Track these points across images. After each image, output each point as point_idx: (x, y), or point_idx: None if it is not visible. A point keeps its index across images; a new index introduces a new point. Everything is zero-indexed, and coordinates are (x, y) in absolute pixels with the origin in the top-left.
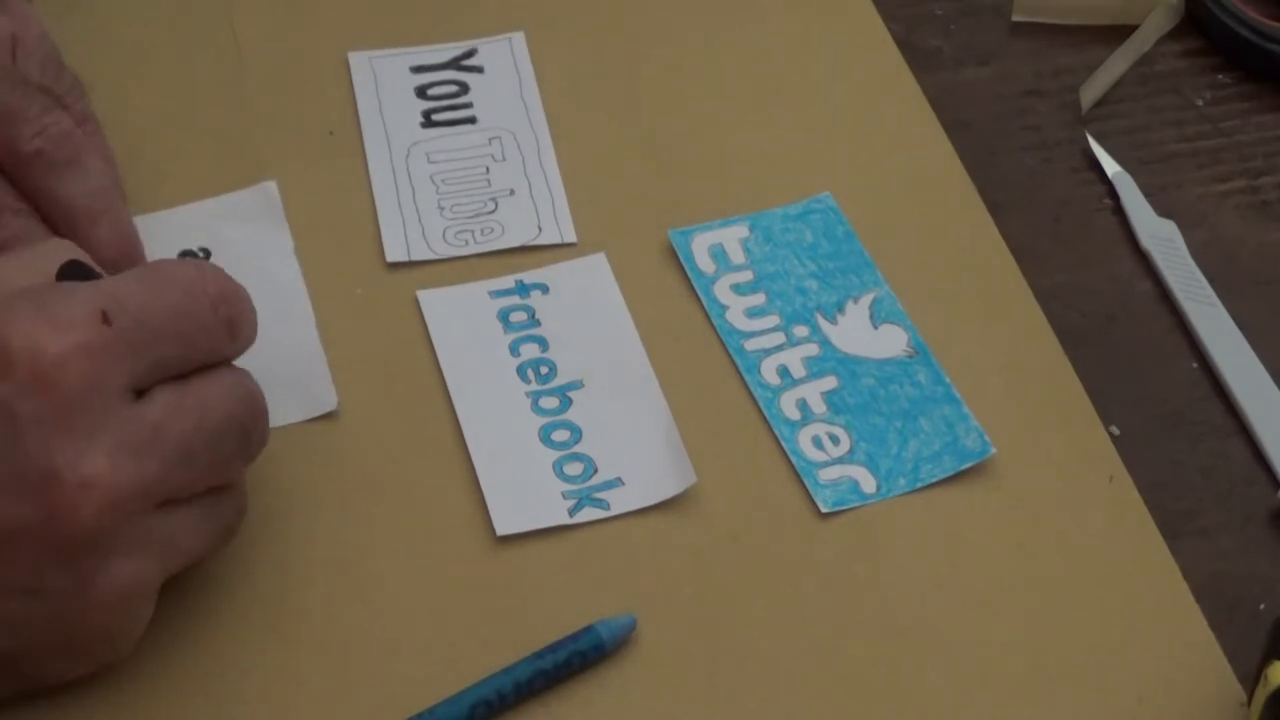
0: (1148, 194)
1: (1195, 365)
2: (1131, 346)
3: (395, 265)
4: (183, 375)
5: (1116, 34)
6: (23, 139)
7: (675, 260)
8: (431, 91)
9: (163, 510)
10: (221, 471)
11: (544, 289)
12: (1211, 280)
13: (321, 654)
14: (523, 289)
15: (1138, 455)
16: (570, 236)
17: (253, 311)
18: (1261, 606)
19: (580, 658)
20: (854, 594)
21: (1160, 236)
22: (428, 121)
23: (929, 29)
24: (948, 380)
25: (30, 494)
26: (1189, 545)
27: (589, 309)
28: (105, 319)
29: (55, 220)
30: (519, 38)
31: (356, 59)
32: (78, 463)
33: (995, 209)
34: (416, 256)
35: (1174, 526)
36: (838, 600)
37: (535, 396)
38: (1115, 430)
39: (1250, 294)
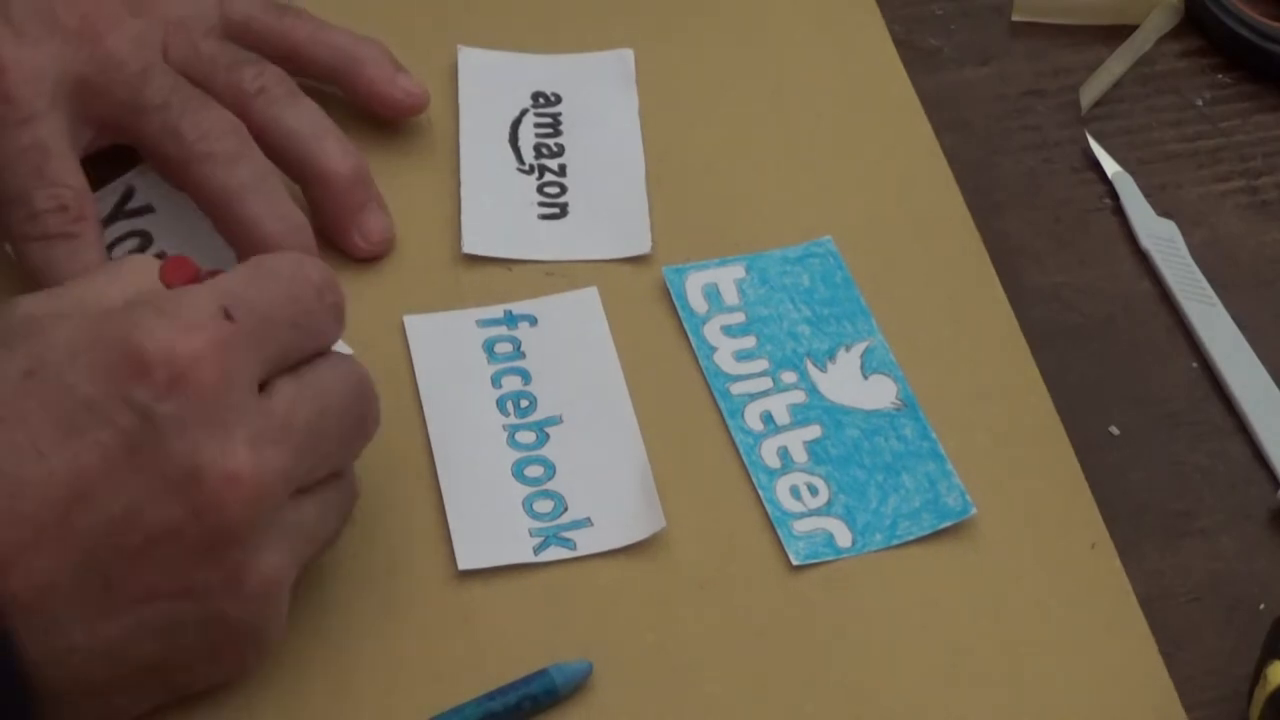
0: (1147, 194)
1: (1195, 365)
2: (1131, 346)
3: (386, 286)
4: (295, 365)
5: (1116, 34)
6: (246, 80)
7: (669, 298)
8: None
9: (295, 499)
10: (343, 455)
11: (532, 320)
12: (1211, 280)
13: (267, 681)
14: (511, 319)
15: (1138, 455)
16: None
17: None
18: (1261, 606)
19: (531, 701)
20: (820, 651)
21: (1160, 236)
22: None
23: (929, 29)
24: (934, 435)
25: (177, 494)
26: (1189, 545)
27: (575, 344)
28: (228, 315)
29: (283, 145)
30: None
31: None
32: (221, 459)
33: (995, 209)
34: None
35: (1174, 526)
36: (803, 657)
37: (512, 430)
38: (1115, 430)
39: (1250, 294)
